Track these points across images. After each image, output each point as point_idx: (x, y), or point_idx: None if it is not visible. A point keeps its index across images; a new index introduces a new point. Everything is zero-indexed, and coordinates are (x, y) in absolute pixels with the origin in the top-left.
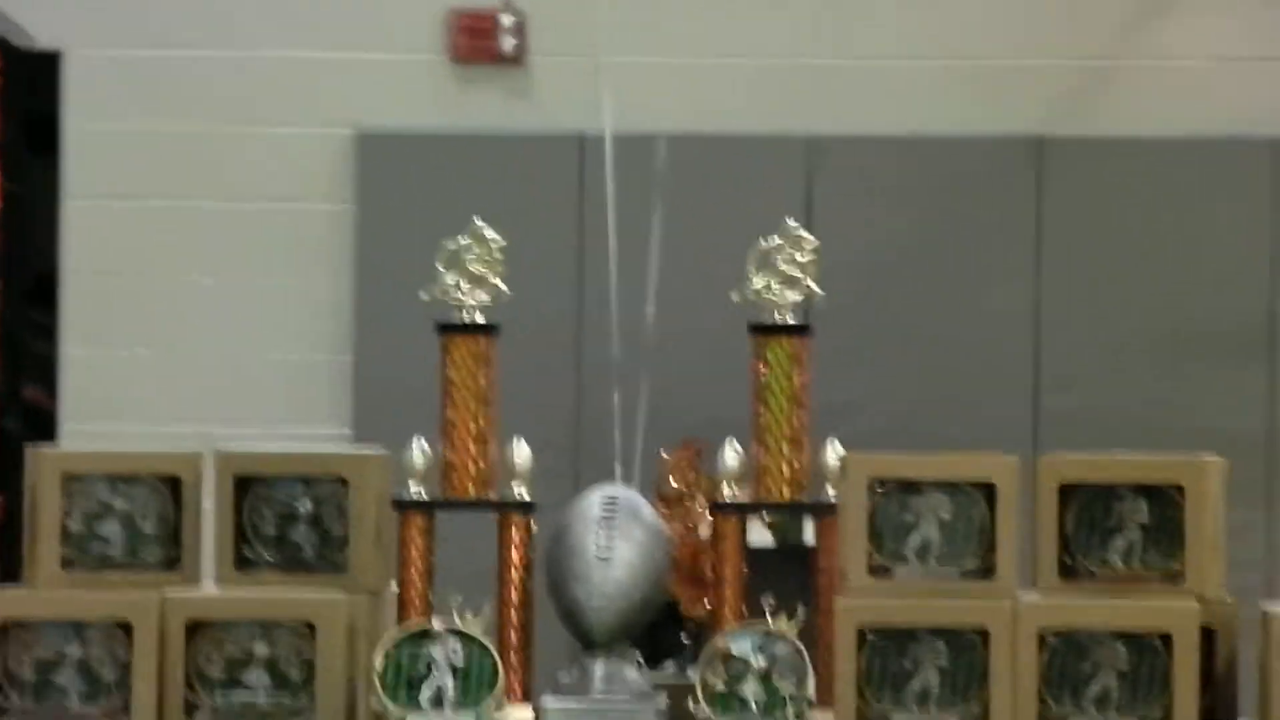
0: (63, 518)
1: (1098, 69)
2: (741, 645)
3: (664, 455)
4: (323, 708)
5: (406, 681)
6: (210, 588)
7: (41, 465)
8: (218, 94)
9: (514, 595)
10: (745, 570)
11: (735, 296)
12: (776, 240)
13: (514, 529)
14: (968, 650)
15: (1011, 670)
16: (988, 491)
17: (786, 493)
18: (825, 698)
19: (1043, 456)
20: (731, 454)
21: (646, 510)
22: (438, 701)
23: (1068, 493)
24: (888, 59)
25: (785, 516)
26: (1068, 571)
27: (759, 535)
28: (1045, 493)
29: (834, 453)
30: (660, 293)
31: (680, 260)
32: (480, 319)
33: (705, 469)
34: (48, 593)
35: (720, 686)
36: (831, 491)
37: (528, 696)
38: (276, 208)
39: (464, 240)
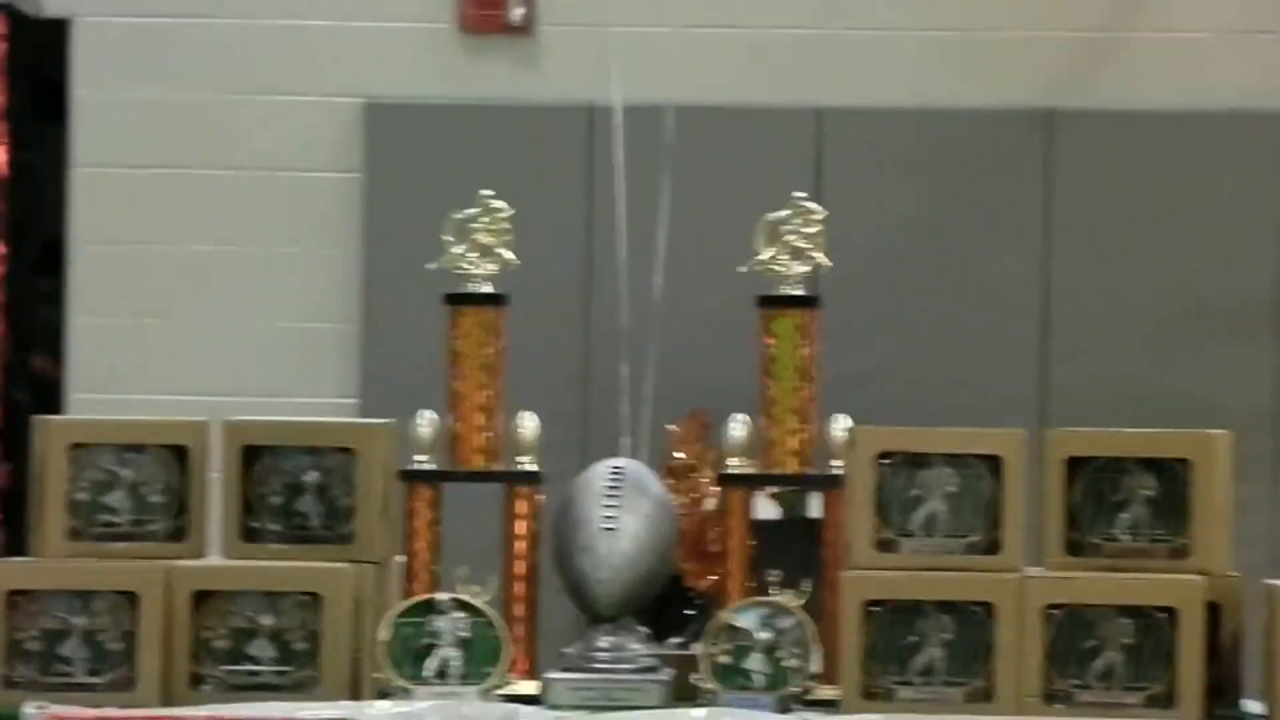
0: (69, 488)
1: (1106, 41)
2: (747, 619)
3: (671, 428)
4: (328, 679)
5: (412, 654)
6: (216, 558)
7: (48, 435)
8: (226, 63)
9: (520, 568)
10: (751, 543)
11: (743, 269)
12: (785, 212)
13: (521, 501)
14: (973, 624)
15: (1017, 644)
16: (994, 465)
17: (793, 465)
18: (830, 671)
19: (1050, 430)
20: (738, 426)
21: (653, 482)
22: (443, 674)
23: (1074, 467)
24: (897, 30)
25: (792, 489)
26: (1074, 546)
27: (765, 508)
28: (1052, 466)
29: (841, 426)
30: (668, 264)
31: (688, 231)
32: (488, 289)
33: (712, 441)
34: (54, 563)
35: (725, 660)
36: (838, 464)
37: (533, 670)
38: (285, 177)
39: (472, 210)
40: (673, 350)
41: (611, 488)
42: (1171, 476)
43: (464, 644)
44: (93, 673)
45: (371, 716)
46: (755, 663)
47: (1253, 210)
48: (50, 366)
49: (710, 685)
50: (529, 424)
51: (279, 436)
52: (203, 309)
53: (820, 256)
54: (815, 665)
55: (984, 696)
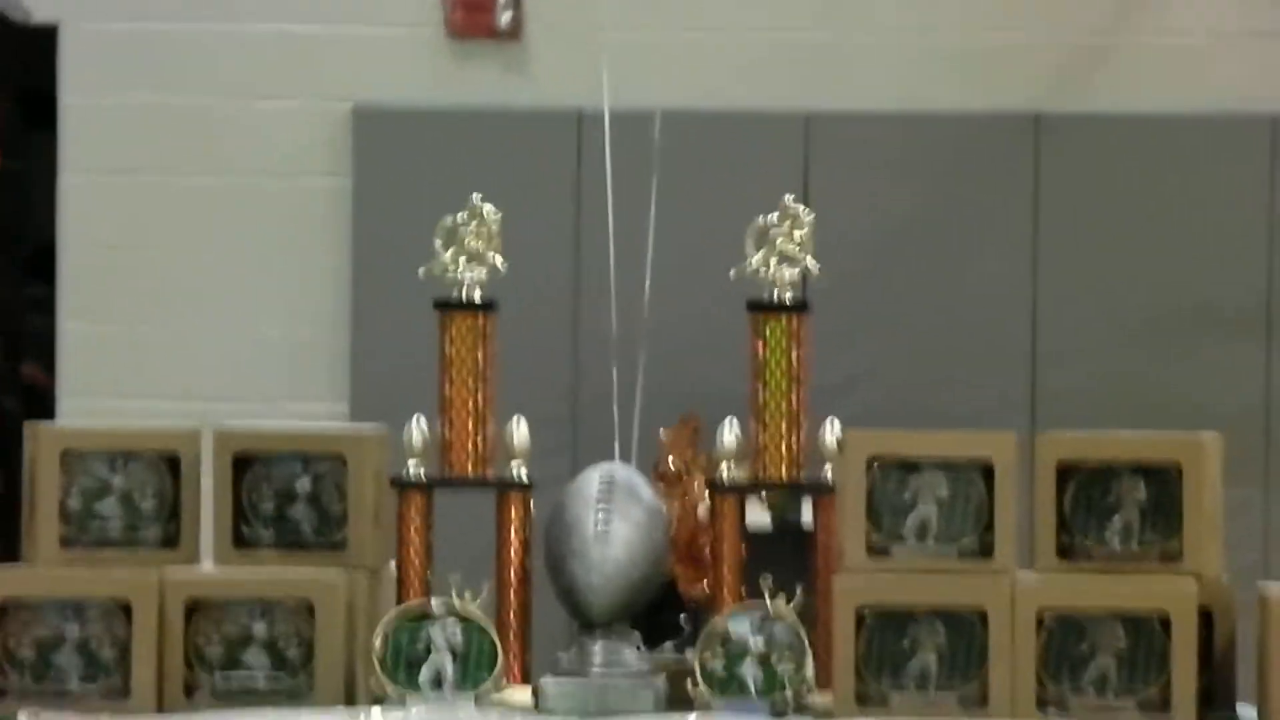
0: (61, 495)
1: (1095, 45)
2: (740, 626)
3: (661, 433)
4: (321, 688)
5: (406, 662)
6: (209, 566)
7: (40, 442)
8: (214, 68)
9: (513, 575)
10: (744, 550)
11: (733, 274)
12: (774, 217)
13: (513, 508)
14: (966, 630)
15: (1010, 651)
16: (986, 470)
17: (785, 472)
18: (824, 679)
19: (1041, 435)
20: (730, 433)
21: (645, 489)
22: (437, 682)
23: (1066, 471)
24: (886, 35)
25: (784, 496)
26: (1066, 551)
27: (757, 515)
28: (1043, 471)
29: (832, 432)
30: (657, 269)
31: (678, 237)
32: (478, 296)
33: (703, 447)
34: (47, 571)
35: (719, 668)
36: (830, 471)
37: (527, 677)
38: (273, 183)
39: (461, 216)
40: (662, 355)
41: (603, 494)
42: (1162, 480)
43: (458, 651)
44: (86, 681)
45: None
46: (749, 669)
47: (1242, 212)
48: (41, 374)
49: (704, 693)
50: (520, 430)
51: (270, 444)
52: (193, 315)
53: (809, 261)
54: (809, 673)
55: (978, 702)
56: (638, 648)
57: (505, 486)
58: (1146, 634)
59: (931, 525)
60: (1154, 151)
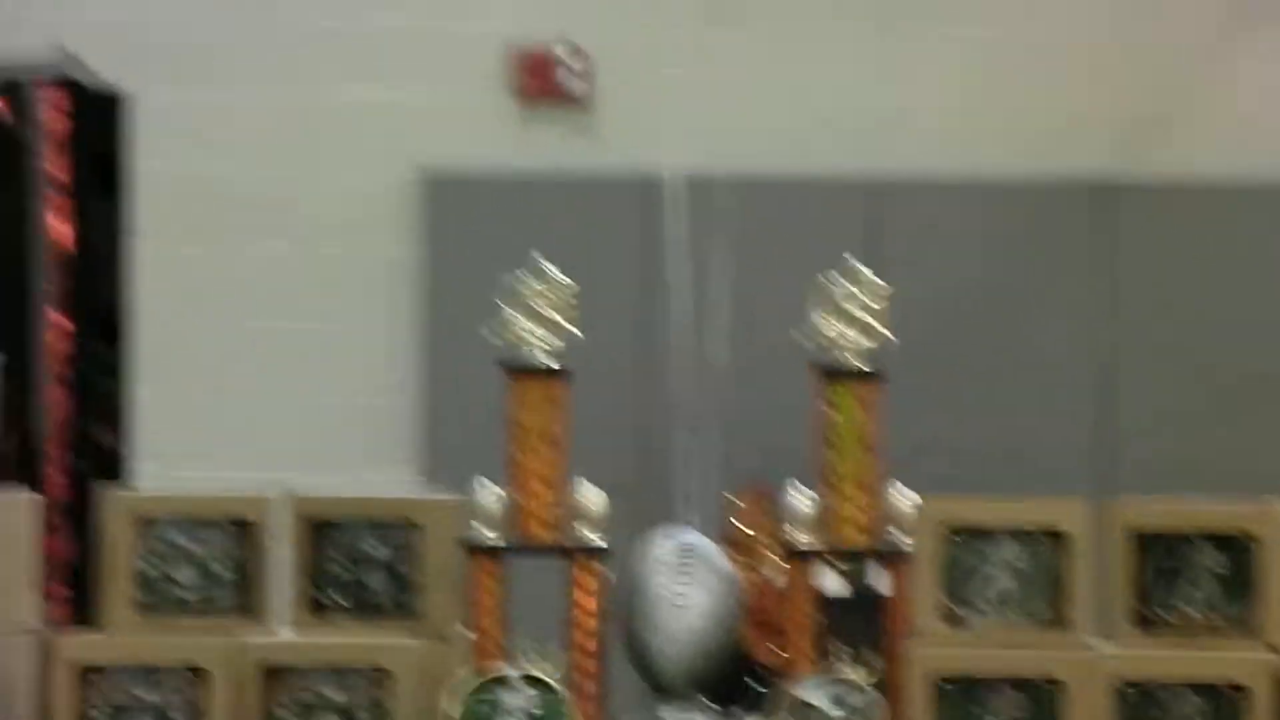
0: (136, 561)
1: (1168, 113)
2: (818, 695)
3: (733, 500)
4: None
5: None
6: (284, 632)
7: (115, 508)
8: (283, 134)
9: (586, 641)
10: (817, 617)
11: (802, 340)
12: (846, 284)
13: (586, 574)
14: (1042, 700)
15: None
16: (1060, 538)
17: (857, 538)
18: None
19: (1116, 503)
20: (802, 499)
21: (718, 556)
22: None
23: (1141, 540)
24: (952, 102)
25: (857, 563)
26: (1143, 621)
27: (831, 582)
28: (1119, 540)
29: (905, 498)
30: (726, 335)
31: (746, 302)
32: (548, 362)
33: (774, 513)
34: (122, 638)
35: None
36: (903, 537)
37: None
38: (342, 248)
39: (531, 282)
40: (732, 421)
41: (681, 562)
42: (1239, 550)
43: (532, 716)
44: None
45: None
46: None
47: None
48: (112, 438)
49: None
50: (593, 495)
51: (345, 510)
52: (264, 381)
53: (882, 329)
54: None
55: None
56: (710, 715)
57: (579, 551)
58: (1223, 705)
59: (1007, 593)
60: (1226, 219)
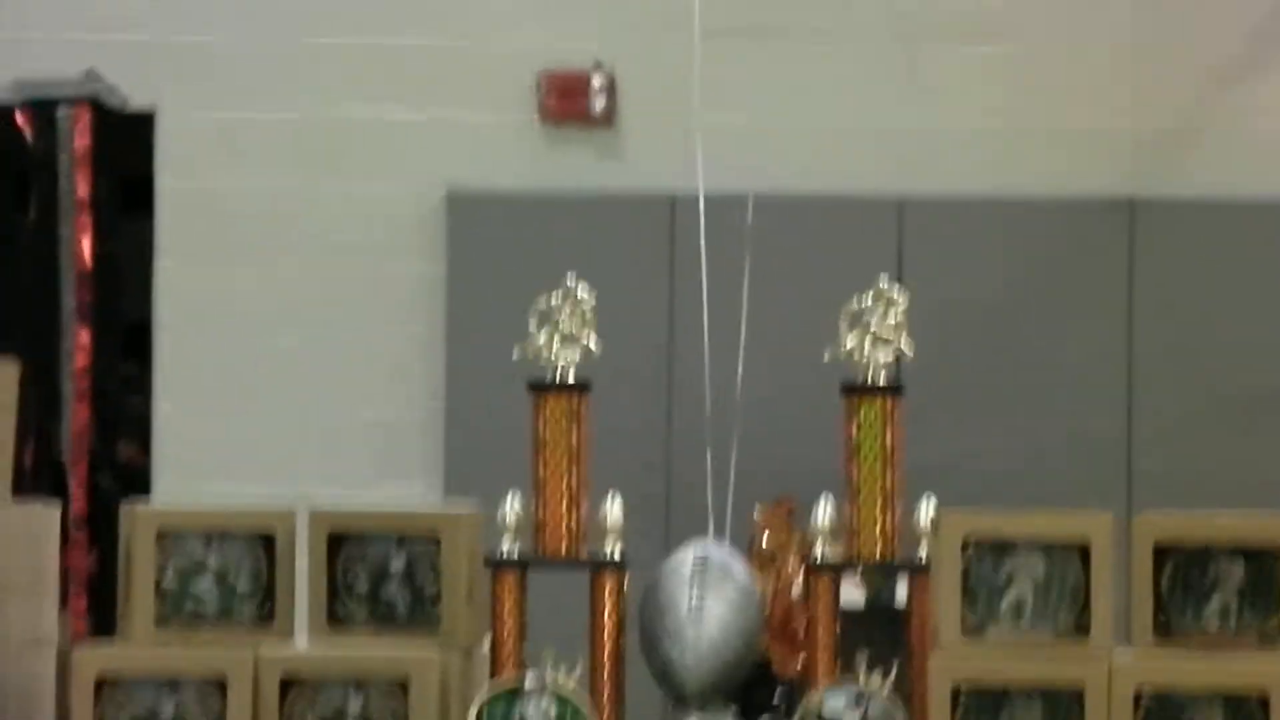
0: (157, 574)
1: (1189, 130)
2: (836, 703)
3: (756, 514)
4: None
5: None
6: (303, 644)
7: (136, 522)
8: (309, 154)
9: (606, 652)
10: (838, 629)
11: (827, 356)
12: (868, 300)
13: (606, 586)
14: (1063, 709)
15: None
16: (1082, 551)
17: (879, 551)
18: None
19: (1138, 516)
20: (824, 513)
21: (739, 568)
22: None
23: (1163, 553)
24: (978, 119)
25: (878, 575)
26: (1163, 631)
27: (851, 594)
28: (1141, 552)
29: (926, 512)
30: (750, 351)
31: (771, 319)
32: (571, 377)
33: (798, 526)
34: (142, 649)
35: None
36: (924, 550)
37: None
38: (368, 267)
39: (555, 298)
40: (755, 436)
41: (698, 573)
42: (1260, 561)
43: None
44: None
45: None
46: None
47: None
48: (136, 454)
49: None
50: (614, 509)
51: (365, 524)
52: (287, 397)
53: (903, 344)
54: None
55: None
56: None
57: (600, 565)
58: (1244, 714)
59: (1027, 605)
60: (1247, 235)
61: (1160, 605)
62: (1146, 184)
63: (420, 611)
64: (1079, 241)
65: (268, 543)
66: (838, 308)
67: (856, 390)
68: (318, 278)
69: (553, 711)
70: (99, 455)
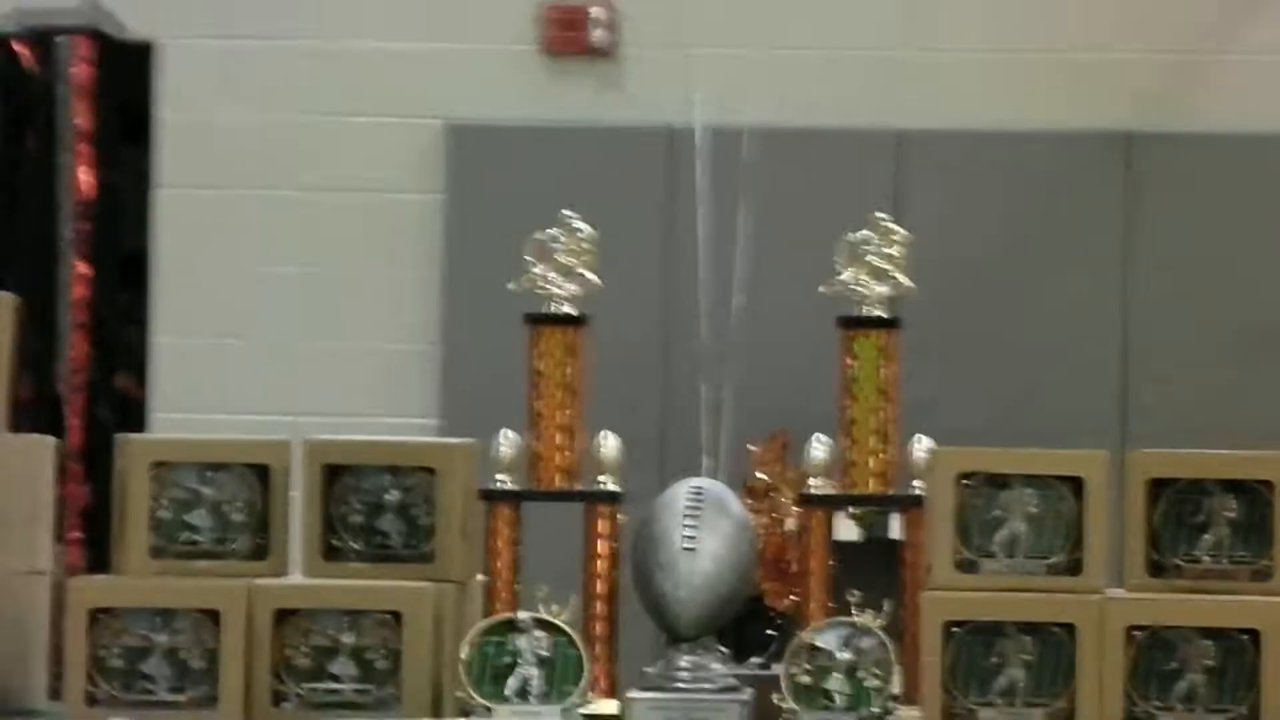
0: (152, 506)
1: (1188, 63)
2: (827, 639)
3: (751, 448)
4: (409, 698)
5: (492, 673)
6: (298, 577)
7: (131, 453)
8: (308, 85)
9: (600, 587)
10: (831, 564)
11: (823, 289)
12: (866, 233)
13: (601, 520)
14: (1054, 645)
15: (1098, 666)
16: (1076, 486)
17: (873, 486)
18: (911, 693)
19: (1131, 452)
20: (819, 447)
21: (733, 502)
22: (523, 693)
23: (1156, 488)
24: (976, 53)
25: (872, 510)
26: (1155, 567)
27: (845, 529)
28: (1133, 488)
29: (922, 447)
30: (747, 285)
31: (768, 253)
32: (569, 310)
33: (792, 461)
34: (136, 581)
35: (806, 680)
36: (919, 485)
37: (613, 689)
38: (366, 198)
39: (553, 231)
40: (752, 370)
41: (692, 507)
42: (1253, 497)
43: (545, 663)
44: (174, 690)
45: None
46: (836, 683)
47: None
48: (133, 385)
49: (791, 706)
50: (610, 443)
51: (360, 456)
52: (284, 329)
53: (902, 277)
54: (896, 686)
55: (1065, 717)
56: (724, 660)
57: (594, 498)
58: (1236, 651)
59: (1021, 541)
60: (1245, 169)
61: (1153, 542)
62: (1145, 117)
63: (415, 545)
64: (1077, 175)
65: (263, 474)
66: (834, 242)
67: (853, 323)
68: (316, 209)
69: (546, 645)
70: (96, 387)
